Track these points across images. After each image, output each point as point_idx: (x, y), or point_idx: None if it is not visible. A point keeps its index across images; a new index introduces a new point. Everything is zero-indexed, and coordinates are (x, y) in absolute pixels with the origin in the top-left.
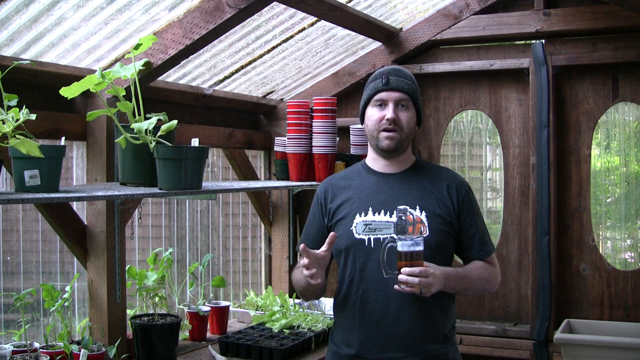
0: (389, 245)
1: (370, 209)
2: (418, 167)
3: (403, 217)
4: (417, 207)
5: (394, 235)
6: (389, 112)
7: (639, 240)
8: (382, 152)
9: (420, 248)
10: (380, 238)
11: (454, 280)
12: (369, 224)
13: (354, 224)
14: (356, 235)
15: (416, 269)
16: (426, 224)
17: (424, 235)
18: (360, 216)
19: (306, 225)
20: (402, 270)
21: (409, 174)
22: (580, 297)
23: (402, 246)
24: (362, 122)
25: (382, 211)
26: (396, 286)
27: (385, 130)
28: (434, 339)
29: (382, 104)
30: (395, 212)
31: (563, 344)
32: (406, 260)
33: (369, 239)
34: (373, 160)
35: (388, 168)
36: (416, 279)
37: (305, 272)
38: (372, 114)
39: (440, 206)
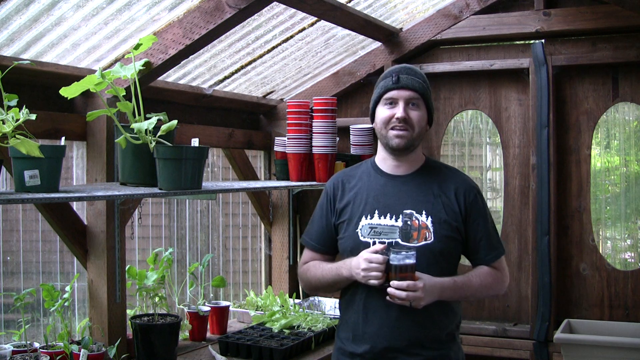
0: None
1: (377, 212)
2: (427, 168)
3: (408, 222)
4: (424, 212)
5: (388, 246)
6: (399, 111)
7: (639, 240)
8: (392, 150)
9: (411, 261)
10: (385, 242)
11: (450, 290)
12: (374, 227)
13: (360, 226)
14: (361, 238)
15: (404, 283)
16: (431, 230)
17: (428, 242)
18: (367, 219)
19: (314, 220)
20: (391, 283)
21: (417, 176)
22: (580, 297)
23: (392, 260)
24: (372, 121)
25: (388, 215)
26: (388, 297)
27: (394, 128)
28: (437, 340)
29: (393, 102)
30: (401, 216)
31: (563, 344)
32: (395, 273)
33: (374, 243)
34: (382, 160)
35: (397, 169)
36: (403, 293)
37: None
38: (382, 112)
39: (447, 211)
